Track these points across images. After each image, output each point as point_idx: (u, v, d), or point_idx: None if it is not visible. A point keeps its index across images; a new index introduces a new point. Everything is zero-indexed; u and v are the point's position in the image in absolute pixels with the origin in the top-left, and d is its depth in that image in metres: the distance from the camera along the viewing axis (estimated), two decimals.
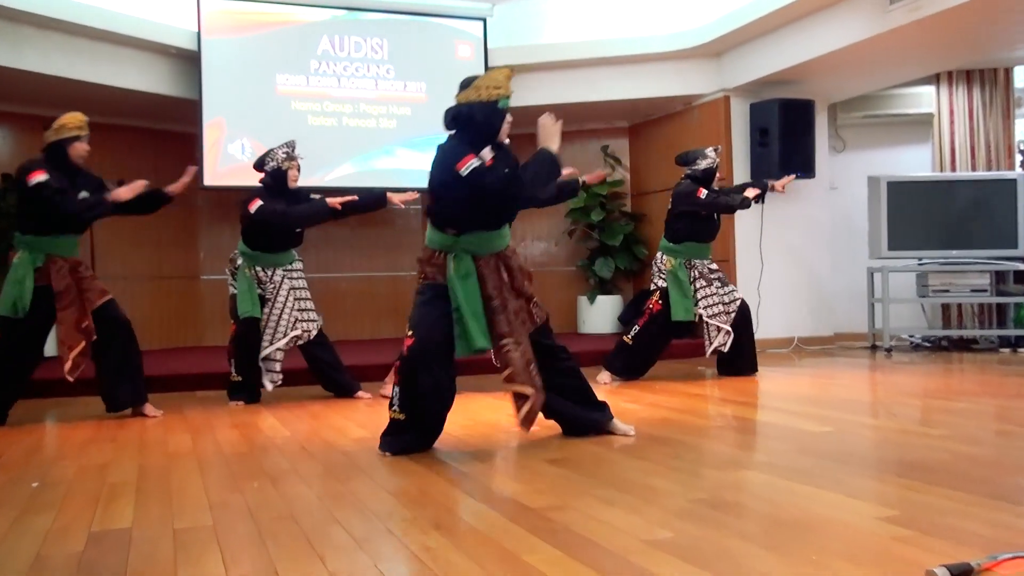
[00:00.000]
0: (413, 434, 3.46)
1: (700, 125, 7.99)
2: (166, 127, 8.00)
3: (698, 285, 5.64)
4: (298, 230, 5.21)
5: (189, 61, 7.33)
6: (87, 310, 4.57)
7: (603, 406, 3.74)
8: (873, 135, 8.49)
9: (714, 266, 5.77)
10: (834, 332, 8.03)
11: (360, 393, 5.25)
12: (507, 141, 3.53)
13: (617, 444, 3.56)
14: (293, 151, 5.23)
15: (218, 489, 2.96)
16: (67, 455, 3.69)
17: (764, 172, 7.46)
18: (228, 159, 7.42)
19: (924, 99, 8.09)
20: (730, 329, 5.66)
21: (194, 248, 8.49)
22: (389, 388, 5.16)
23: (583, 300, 8.64)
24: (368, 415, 4.62)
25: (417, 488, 2.91)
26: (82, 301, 4.56)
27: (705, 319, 5.62)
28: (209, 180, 7.38)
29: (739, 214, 7.58)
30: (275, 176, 5.17)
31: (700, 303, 5.61)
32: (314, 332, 5.19)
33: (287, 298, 5.11)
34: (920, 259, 7.51)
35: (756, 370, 5.87)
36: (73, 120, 4.60)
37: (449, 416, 3.60)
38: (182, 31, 7.23)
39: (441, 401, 3.47)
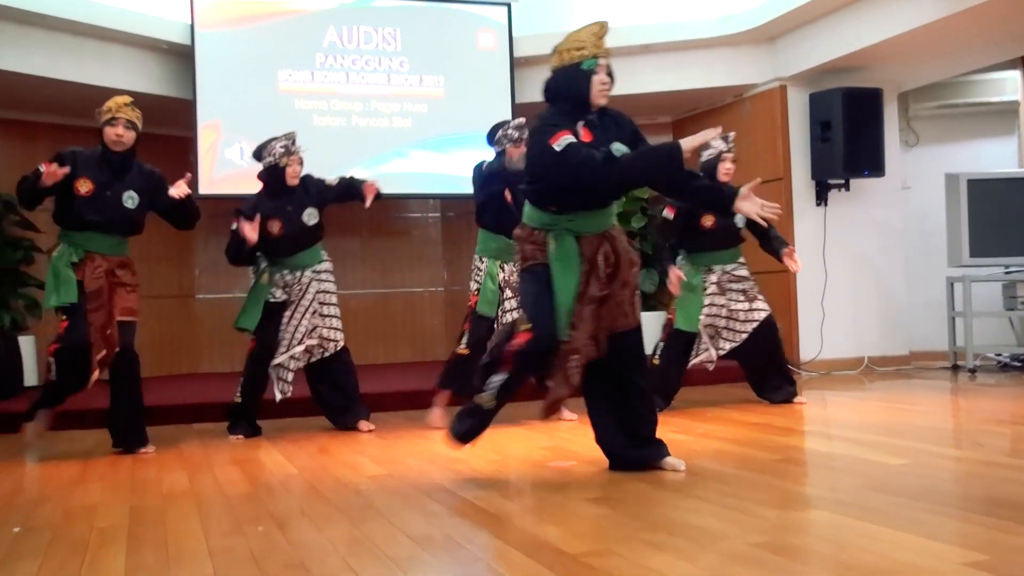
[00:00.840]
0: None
1: (753, 119, 7.98)
2: (157, 130, 8.04)
3: (709, 290, 5.61)
4: (311, 224, 5.23)
5: (182, 57, 7.44)
6: (113, 317, 4.64)
7: (660, 443, 3.74)
8: (950, 127, 8.43)
9: (742, 273, 5.72)
10: (909, 351, 7.96)
11: (362, 423, 5.26)
12: (601, 102, 3.53)
13: (665, 480, 3.55)
14: (293, 144, 5.27)
15: (219, 534, 2.99)
16: (51, 496, 3.74)
17: (827, 170, 7.44)
18: (225, 164, 7.51)
19: (1008, 86, 8.03)
20: (714, 353, 5.59)
21: (188, 264, 8.59)
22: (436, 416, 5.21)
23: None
24: (383, 449, 4.64)
25: (440, 532, 2.91)
26: (111, 306, 4.64)
27: (700, 330, 5.60)
28: (205, 188, 7.47)
29: (798, 217, 7.55)
30: (272, 173, 5.22)
31: (703, 311, 5.59)
32: (332, 349, 5.21)
33: (311, 301, 5.17)
34: (1007, 267, 7.43)
35: (793, 392, 5.78)
36: (110, 102, 4.71)
37: (474, 450, 3.61)
38: (174, 24, 7.34)
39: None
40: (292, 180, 5.21)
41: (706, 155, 5.66)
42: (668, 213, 5.56)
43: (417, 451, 4.52)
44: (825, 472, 3.73)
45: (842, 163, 7.28)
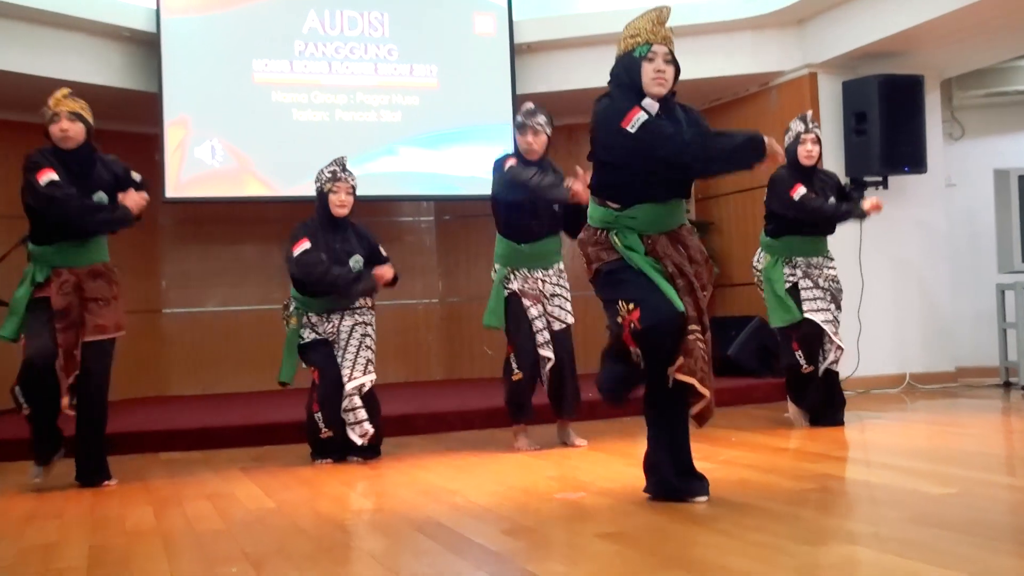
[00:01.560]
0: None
1: (781, 109, 7.98)
2: (120, 127, 8.11)
3: (802, 284, 5.62)
4: (356, 270, 5.19)
5: (146, 46, 7.46)
6: (81, 337, 4.61)
7: (703, 478, 3.73)
8: (999, 118, 8.44)
9: (831, 272, 5.77)
10: (956, 367, 7.95)
11: (352, 456, 5.23)
12: (657, 91, 3.57)
13: (685, 513, 3.54)
14: (343, 170, 5.24)
15: None
16: (4, 534, 3.73)
17: (862, 166, 7.44)
18: (195, 165, 7.52)
19: None
20: (842, 344, 5.63)
21: (154, 276, 8.60)
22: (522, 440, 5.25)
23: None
24: (372, 481, 4.63)
25: (434, 572, 2.91)
26: (80, 326, 4.61)
27: (817, 322, 5.60)
28: (172, 191, 7.49)
29: None
30: (319, 199, 5.23)
31: (805, 305, 5.59)
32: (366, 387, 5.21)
33: (351, 332, 5.16)
34: None
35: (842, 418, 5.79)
36: (49, 99, 4.65)
37: (475, 482, 3.61)
38: (137, 9, 7.37)
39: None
40: (337, 210, 5.18)
41: (787, 138, 5.73)
42: (799, 189, 5.61)
43: (409, 482, 4.51)
44: (864, 503, 3.72)
45: (879, 158, 7.27)
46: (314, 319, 5.20)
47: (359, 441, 5.08)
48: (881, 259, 7.64)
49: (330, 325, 5.18)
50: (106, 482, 4.75)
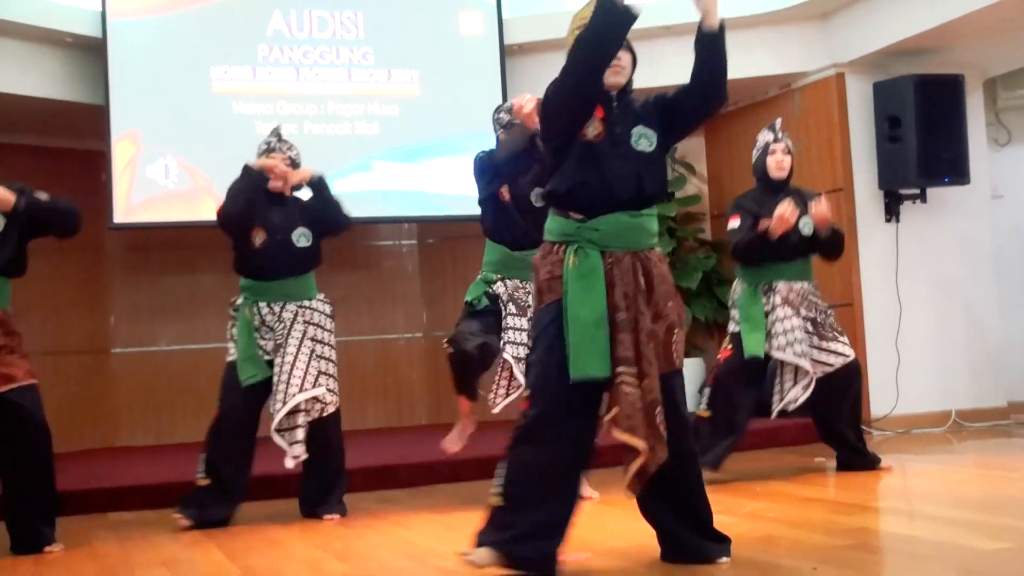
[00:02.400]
0: (521, 527, 3.45)
1: (805, 115, 8.02)
2: (62, 143, 8.15)
3: (779, 314, 5.62)
4: (301, 245, 5.26)
5: (91, 53, 7.48)
6: None
7: (723, 539, 3.70)
8: None
9: (814, 295, 5.76)
10: (1007, 401, 7.95)
11: (328, 516, 5.21)
12: (613, 81, 3.60)
13: (703, 574, 3.53)
14: (278, 140, 5.34)
15: None
16: None
17: (898, 177, 7.47)
18: (147, 185, 7.53)
19: None
20: (809, 368, 5.58)
21: (102, 310, 8.59)
22: (455, 434, 5.37)
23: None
24: (350, 541, 4.61)
25: None
26: None
27: (777, 356, 5.57)
28: (121, 216, 7.50)
29: (863, 236, 7.56)
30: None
31: (775, 339, 5.59)
32: (318, 413, 5.17)
33: (302, 339, 5.13)
34: None
35: (877, 461, 5.78)
36: None
37: (466, 543, 3.58)
38: (80, 12, 7.41)
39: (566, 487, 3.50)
40: (276, 183, 5.23)
41: (754, 153, 5.80)
42: (732, 222, 5.72)
43: (391, 543, 4.49)
44: (905, 560, 3.71)
45: (916, 168, 7.30)
46: (264, 311, 5.18)
47: (290, 464, 5.06)
48: (920, 281, 7.66)
49: (281, 326, 5.14)
50: (48, 547, 4.72)
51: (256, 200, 5.21)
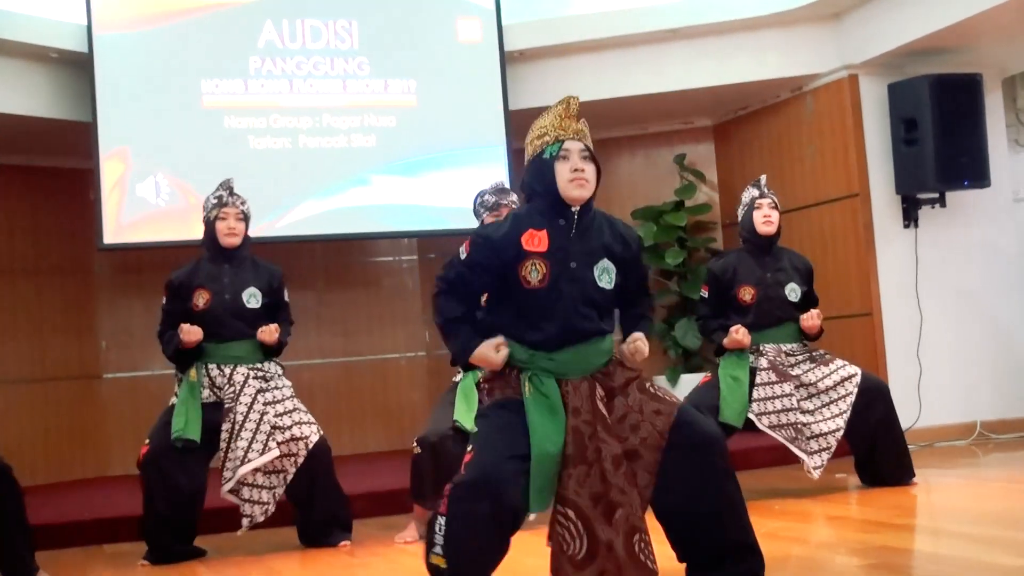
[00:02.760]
0: None
1: (817, 118, 8.03)
2: (48, 163, 8.17)
3: (761, 379, 5.64)
4: (251, 306, 5.28)
5: (77, 68, 7.51)
6: None
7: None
8: None
9: (792, 347, 5.77)
10: None
11: (344, 542, 5.24)
12: (578, 195, 3.43)
13: None
14: (229, 194, 5.36)
15: None
16: None
17: (915, 181, 7.47)
18: (137, 205, 7.54)
19: None
20: (801, 454, 5.57)
21: (91, 335, 8.60)
22: (412, 530, 5.19)
23: (659, 382, 8.62)
24: (353, 571, 4.62)
25: None
26: None
27: (751, 419, 5.63)
28: (111, 237, 7.50)
29: (881, 244, 7.58)
30: (207, 229, 5.35)
31: (754, 406, 5.62)
32: (303, 450, 5.17)
33: (251, 404, 5.12)
34: None
35: (911, 476, 5.79)
36: None
37: None
38: (65, 26, 7.43)
39: (491, 553, 3.37)
40: (226, 239, 5.27)
41: (740, 211, 5.89)
42: (703, 292, 5.91)
43: (396, 570, 4.50)
44: None
45: (934, 172, 7.31)
46: (214, 372, 5.20)
47: (245, 523, 5.08)
48: (941, 290, 7.67)
49: (231, 388, 5.15)
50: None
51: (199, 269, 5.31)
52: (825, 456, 5.53)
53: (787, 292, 5.73)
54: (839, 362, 5.71)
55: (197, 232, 7.54)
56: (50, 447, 8.21)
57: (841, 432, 5.55)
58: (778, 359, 5.66)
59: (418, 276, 9.34)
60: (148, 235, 7.61)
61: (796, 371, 5.64)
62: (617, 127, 8.96)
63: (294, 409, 5.24)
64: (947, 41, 7.27)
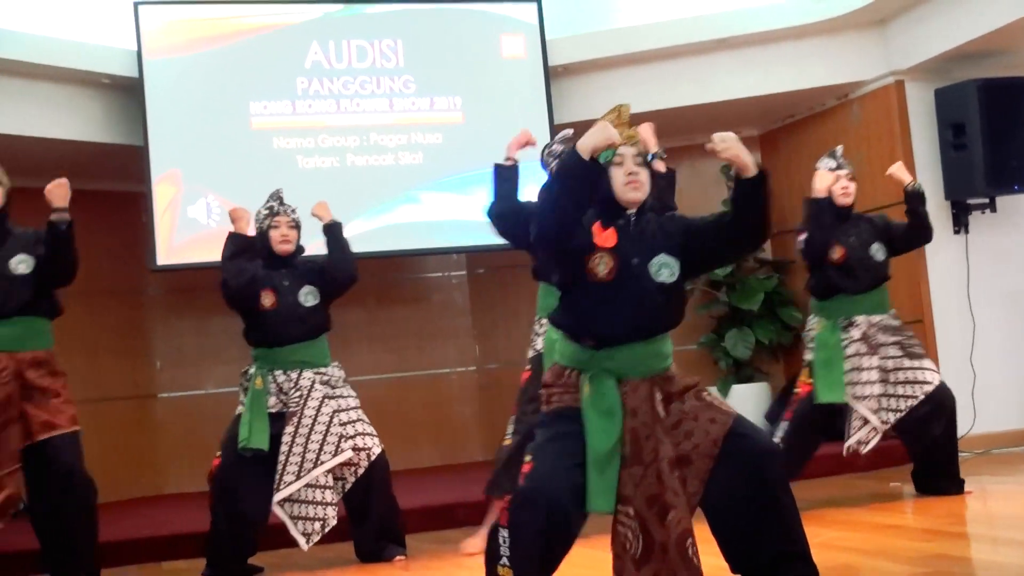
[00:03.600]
0: None
1: (864, 125, 8.00)
2: (102, 186, 8.26)
3: (851, 350, 5.62)
4: (308, 304, 5.31)
5: (128, 93, 7.61)
6: (37, 432, 4.67)
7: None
8: None
9: (894, 323, 5.78)
10: None
11: (399, 557, 5.26)
12: (633, 197, 3.49)
13: None
14: (280, 204, 5.42)
15: None
16: None
17: (964, 187, 7.42)
18: (189, 226, 7.63)
19: None
20: (878, 426, 5.57)
21: (146, 356, 8.69)
22: (478, 540, 5.19)
23: (711, 392, 8.58)
24: None
25: None
26: (26, 423, 4.67)
27: (848, 401, 5.61)
28: (164, 258, 7.59)
29: (931, 250, 7.52)
30: (260, 240, 5.40)
31: (848, 375, 5.61)
32: (365, 460, 5.21)
33: (319, 408, 5.16)
34: None
35: (961, 488, 5.74)
36: None
37: None
38: (115, 52, 7.53)
39: (553, 562, 3.37)
40: (280, 246, 5.34)
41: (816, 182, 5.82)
42: (799, 239, 5.82)
43: None
44: None
45: (984, 177, 7.26)
46: (280, 378, 5.22)
47: (301, 540, 5.08)
48: (993, 295, 7.61)
49: (297, 394, 5.17)
50: None
51: (256, 270, 5.31)
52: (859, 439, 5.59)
53: (873, 252, 5.72)
54: (927, 363, 5.70)
55: None
56: (106, 467, 8.22)
57: (881, 428, 5.56)
58: (869, 331, 5.65)
59: (467, 291, 9.37)
60: (200, 256, 7.68)
61: (882, 351, 5.65)
62: (663, 138, 8.88)
63: (358, 419, 5.28)
64: (994, 45, 7.22)
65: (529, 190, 5.43)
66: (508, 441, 5.24)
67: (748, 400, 8.45)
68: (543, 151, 5.55)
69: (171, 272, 8.15)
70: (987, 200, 7.54)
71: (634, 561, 3.28)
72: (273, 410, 5.19)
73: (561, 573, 3.27)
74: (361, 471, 5.20)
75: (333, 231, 5.49)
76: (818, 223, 5.71)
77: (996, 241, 7.67)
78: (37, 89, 7.20)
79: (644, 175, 3.51)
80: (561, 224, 3.40)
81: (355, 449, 5.17)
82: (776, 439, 5.67)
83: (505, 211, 5.22)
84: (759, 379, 8.63)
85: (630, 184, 3.47)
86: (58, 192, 4.85)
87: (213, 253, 7.65)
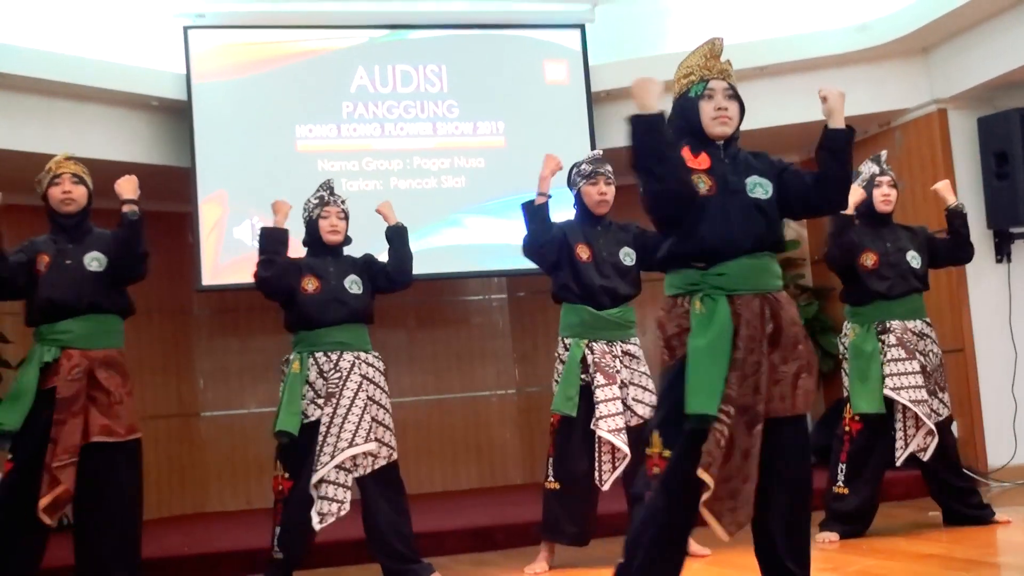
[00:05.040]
0: None
1: (907, 153, 7.98)
2: (150, 207, 8.26)
3: (891, 355, 5.59)
4: (354, 292, 5.29)
5: (176, 116, 7.72)
6: (94, 432, 4.74)
7: None
8: None
9: (929, 332, 5.76)
10: None
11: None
12: (720, 131, 3.66)
13: None
14: (330, 193, 5.42)
15: None
16: None
17: (1007, 215, 7.40)
18: (234, 246, 7.71)
19: None
20: (933, 428, 5.55)
21: (190, 375, 8.78)
22: (543, 561, 5.28)
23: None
24: None
25: None
26: (85, 422, 4.74)
27: (897, 401, 5.54)
28: (209, 278, 7.69)
29: (973, 278, 7.50)
30: (308, 229, 5.43)
31: (888, 381, 5.56)
32: (384, 458, 5.16)
33: (357, 391, 5.13)
34: None
35: (992, 516, 5.70)
36: (49, 163, 5.03)
37: None
38: (164, 75, 7.65)
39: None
40: (329, 236, 5.35)
41: (857, 183, 5.75)
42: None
43: None
44: None
45: None
46: (321, 359, 5.18)
47: (315, 519, 5.01)
48: None
49: (336, 375, 5.15)
50: None
51: (287, 262, 5.31)
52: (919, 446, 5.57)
53: (909, 259, 5.70)
54: (939, 403, 5.67)
55: None
56: (149, 484, 8.22)
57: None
58: (905, 336, 5.64)
59: (508, 314, 9.41)
60: (244, 276, 7.69)
61: (919, 356, 5.62)
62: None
63: (387, 418, 5.24)
64: None
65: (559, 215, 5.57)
66: (552, 485, 5.30)
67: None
68: (570, 171, 5.60)
69: (216, 292, 8.25)
70: None
71: (720, 459, 3.38)
72: (313, 419, 5.09)
73: None
74: (379, 464, 5.15)
75: (400, 234, 5.50)
76: (838, 240, 5.68)
77: None
78: (88, 111, 7.33)
79: (734, 109, 3.67)
80: (671, 176, 3.54)
81: (379, 442, 5.15)
82: (836, 486, 5.63)
83: (542, 244, 5.37)
84: None
85: (718, 119, 3.63)
86: (127, 186, 5.00)
87: None
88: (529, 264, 8.21)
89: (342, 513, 5.03)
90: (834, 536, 5.52)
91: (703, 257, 3.55)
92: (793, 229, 8.96)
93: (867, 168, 5.86)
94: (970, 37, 7.38)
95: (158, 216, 8.32)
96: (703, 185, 3.56)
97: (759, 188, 3.60)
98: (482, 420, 9.16)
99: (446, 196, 8.13)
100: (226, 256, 7.73)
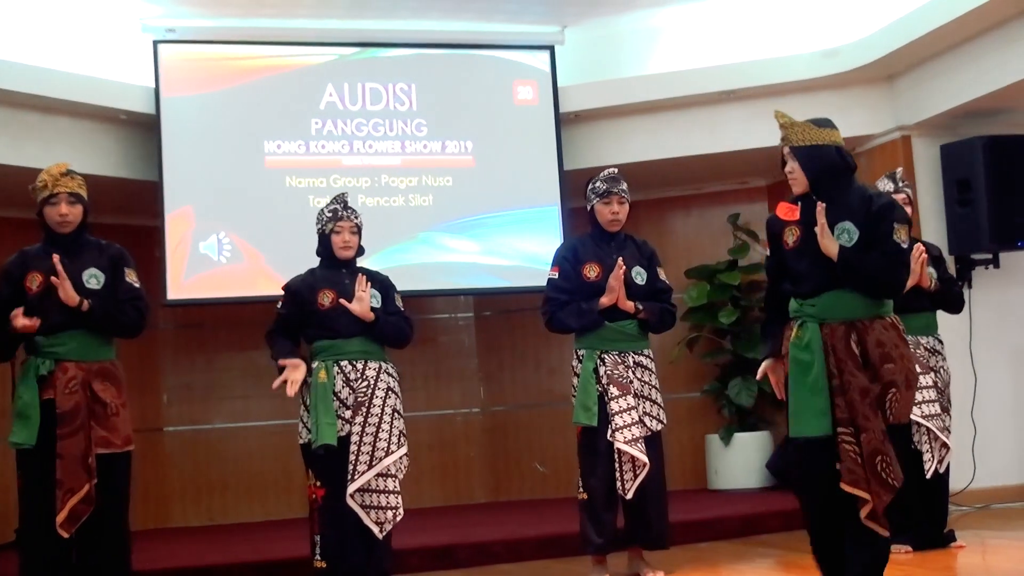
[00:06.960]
0: None
1: (870, 179, 7.96)
2: (116, 221, 8.28)
3: None
4: (374, 304, 5.27)
5: (144, 129, 7.67)
6: (94, 444, 4.73)
7: None
8: None
9: (940, 348, 5.90)
10: None
11: None
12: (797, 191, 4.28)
13: None
14: (344, 207, 5.36)
15: None
16: None
17: (969, 242, 7.43)
18: (200, 262, 7.66)
19: None
20: (948, 442, 5.60)
21: (153, 390, 8.70)
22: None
23: (713, 440, 8.58)
24: None
25: None
26: (89, 429, 4.73)
27: (915, 420, 5.52)
28: (174, 293, 7.62)
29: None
30: (321, 242, 5.38)
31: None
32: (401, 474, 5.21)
33: (385, 399, 5.14)
34: None
35: (948, 539, 5.72)
36: (43, 175, 4.94)
37: None
38: (133, 88, 7.60)
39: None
40: (342, 252, 5.31)
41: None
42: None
43: None
44: None
45: (988, 233, 7.26)
46: (347, 368, 5.18)
47: (375, 529, 5.02)
48: (996, 350, 7.61)
49: (364, 383, 5.15)
50: None
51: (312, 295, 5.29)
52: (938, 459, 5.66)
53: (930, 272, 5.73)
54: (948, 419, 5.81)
55: (258, 289, 7.73)
56: None
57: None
58: (918, 352, 5.66)
59: (474, 333, 9.38)
60: (210, 292, 7.73)
61: (932, 373, 5.72)
62: (672, 187, 9.01)
63: (405, 432, 5.24)
64: (1000, 103, 7.26)
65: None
66: (583, 495, 5.33)
67: (750, 449, 8.44)
68: (586, 187, 5.59)
69: (181, 307, 8.19)
70: (991, 256, 7.54)
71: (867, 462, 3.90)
72: (343, 434, 5.07)
73: None
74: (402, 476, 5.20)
75: (382, 331, 5.35)
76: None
77: (1000, 296, 7.68)
78: (55, 124, 7.28)
79: (796, 169, 4.24)
80: None
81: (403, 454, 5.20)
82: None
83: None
84: (761, 427, 8.61)
85: (790, 180, 4.29)
86: (64, 296, 4.78)
87: (223, 289, 7.75)
88: (496, 283, 8.28)
89: (398, 519, 5.09)
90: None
91: (797, 293, 4.16)
92: (758, 252, 8.95)
93: (882, 185, 5.89)
94: (935, 65, 7.43)
95: (125, 230, 8.27)
96: (791, 237, 4.19)
97: (844, 235, 4.06)
98: (447, 439, 9.12)
99: (413, 214, 8.11)
100: (191, 271, 7.68)
